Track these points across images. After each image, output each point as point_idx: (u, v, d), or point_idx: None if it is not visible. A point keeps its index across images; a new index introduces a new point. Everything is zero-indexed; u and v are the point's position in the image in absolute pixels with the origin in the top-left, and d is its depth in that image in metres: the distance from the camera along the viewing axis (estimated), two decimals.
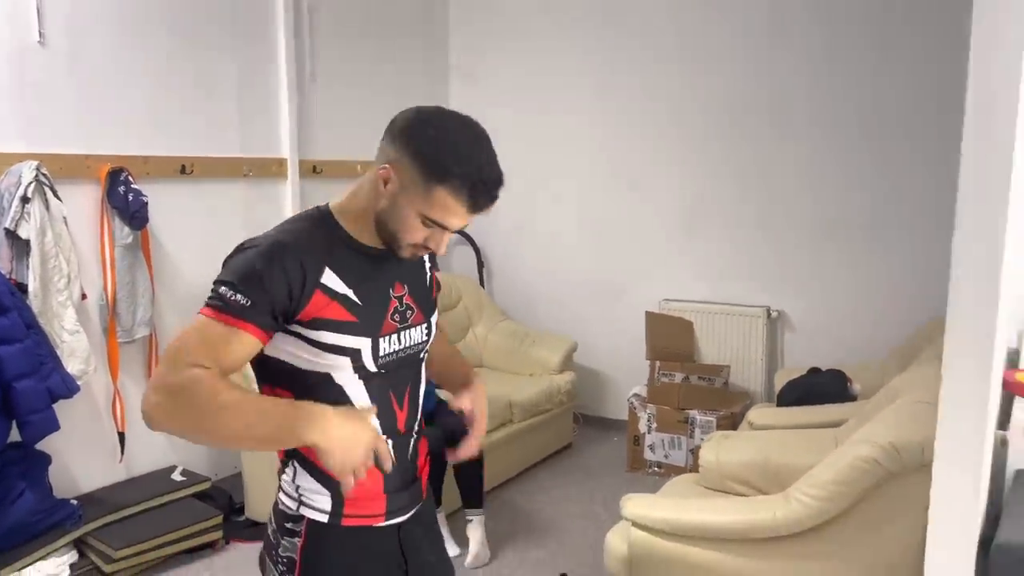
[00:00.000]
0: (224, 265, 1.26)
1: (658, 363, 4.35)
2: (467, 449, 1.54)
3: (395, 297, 1.37)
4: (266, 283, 1.20)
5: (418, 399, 1.45)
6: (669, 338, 4.46)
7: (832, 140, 4.25)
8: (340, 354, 1.28)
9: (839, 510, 2.07)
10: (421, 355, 1.44)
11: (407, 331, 1.38)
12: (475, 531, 3.34)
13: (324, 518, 1.35)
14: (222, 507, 3.49)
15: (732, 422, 4.04)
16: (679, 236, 4.72)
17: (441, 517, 3.27)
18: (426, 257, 1.49)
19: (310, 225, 1.31)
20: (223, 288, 1.20)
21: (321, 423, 1.16)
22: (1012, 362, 2.13)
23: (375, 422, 1.30)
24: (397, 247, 1.30)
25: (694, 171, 4.64)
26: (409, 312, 1.39)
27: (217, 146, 3.83)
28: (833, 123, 4.23)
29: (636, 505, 2.40)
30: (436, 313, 1.49)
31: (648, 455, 4.30)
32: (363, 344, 1.30)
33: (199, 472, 3.65)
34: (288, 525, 1.36)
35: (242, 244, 1.28)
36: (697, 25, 4.53)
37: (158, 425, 1.15)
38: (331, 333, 1.27)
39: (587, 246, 5.03)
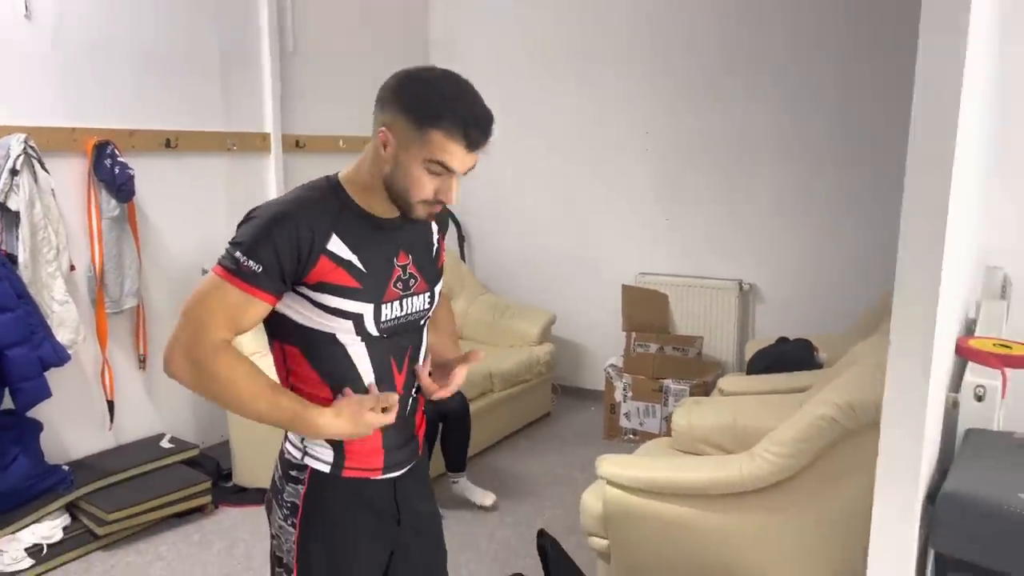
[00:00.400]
0: (238, 229, 1.34)
1: (634, 334, 4.47)
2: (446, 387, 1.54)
3: (399, 266, 1.43)
4: (277, 248, 1.28)
5: (418, 362, 1.53)
6: (645, 310, 4.57)
7: (799, 119, 4.37)
8: (343, 317, 1.36)
9: (800, 466, 2.18)
10: (422, 321, 1.51)
11: (409, 299, 1.45)
12: (468, 487, 3.57)
13: (326, 468, 1.44)
14: (210, 473, 3.57)
15: (704, 390, 4.17)
16: (655, 212, 4.83)
17: None
18: (434, 228, 1.55)
19: (320, 194, 1.38)
20: (237, 252, 1.29)
21: (325, 432, 1.36)
22: (969, 330, 2.26)
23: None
24: (409, 207, 1.35)
25: (670, 149, 4.74)
26: (412, 281, 1.45)
27: (201, 120, 3.87)
28: (801, 104, 4.36)
29: (611, 464, 2.50)
30: (440, 282, 1.55)
31: (624, 423, 4.43)
32: (365, 309, 1.37)
33: (187, 440, 3.73)
34: (293, 473, 1.45)
35: (255, 209, 1.35)
36: (672, 4, 4.61)
37: (180, 382, 1.31)
38: (335, 297, 1.35)
39: (566, 221, 5.12)
